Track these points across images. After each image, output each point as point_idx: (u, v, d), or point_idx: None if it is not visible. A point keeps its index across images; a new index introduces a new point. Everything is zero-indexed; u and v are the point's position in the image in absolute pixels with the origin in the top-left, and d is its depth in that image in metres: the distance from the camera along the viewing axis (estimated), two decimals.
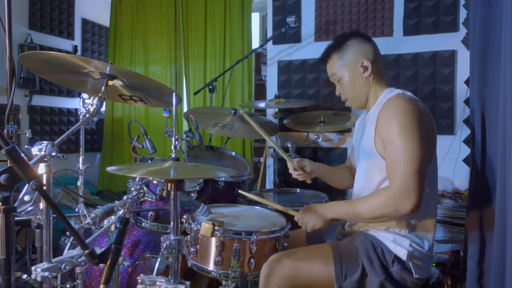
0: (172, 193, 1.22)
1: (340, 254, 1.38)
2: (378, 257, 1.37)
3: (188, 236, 1.54)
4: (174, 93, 1.32)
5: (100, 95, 1.31)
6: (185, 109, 3.98)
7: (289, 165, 1.76)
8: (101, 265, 1.00)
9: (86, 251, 0.97)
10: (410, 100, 1.38)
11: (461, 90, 2.53)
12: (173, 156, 1.27)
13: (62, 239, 1.87)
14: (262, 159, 3.26)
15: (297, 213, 1.51)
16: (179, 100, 1.92)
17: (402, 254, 1.37)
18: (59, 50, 3.89)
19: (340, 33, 2.85)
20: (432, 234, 1.45)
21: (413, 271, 1.36)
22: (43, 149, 1.11)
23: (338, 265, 1.35)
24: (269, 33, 3.12)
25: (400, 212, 1.29)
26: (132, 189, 1.78)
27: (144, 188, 1.82)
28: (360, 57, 1.50)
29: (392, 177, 1.33)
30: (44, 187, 0.90)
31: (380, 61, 1.55)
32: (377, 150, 1.42)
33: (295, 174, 1.76)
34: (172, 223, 1.24)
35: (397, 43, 2.71)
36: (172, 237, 1.22)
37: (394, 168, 1.33)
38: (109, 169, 1.20)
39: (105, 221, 1.42)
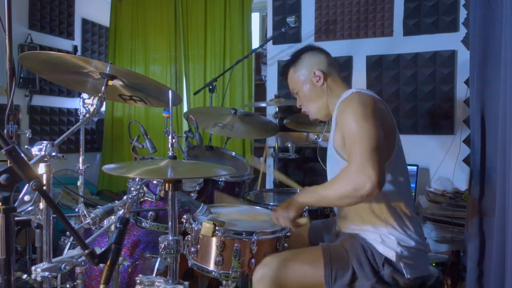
0: (170, 193, 1.22)
1: (330, 257, 1.37)
2: (368, 261, 1.36)
3: (189, 236, 1.54)
4: (170, 90, 1.33)
5: (100, 95, 1.30)
6: (185, 109, 3.99)
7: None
8: (101, 265, 1.00)
9: (86, 251, 0.96)
10: (364, 94, 1.42)
11: (461, 90, 2.53)
12: (170, 154, 1.27)
13: (62, 239, 1.87)
14: (262, 159, 3.26)
15: (273, 215, 1.50)
16: (179, 100, 1.92)
17: (391, 255, 1.35)
18: (59, 50, 3.89)
19: (339, 33, 2.87)
20: (415, 228, 1.43)
21: (404, 271, 1.34)
22: (43, 149, 1.10)
23: (328, 268, 1.35)
24: (269, 33, 3.12)
25: (360, 192, 1.24)
26: (132, 189, 1.78)
27: (144, 188, 1.82)
28: (312, 68, 1.57)
29: (350, 158, 1.33)
30: (44, 187, 0.90)
31: (334, 70, 1.61)
32: (337, 150, 1.44)
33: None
34: (170, 223, 1.24)
35: (397, 43, 2.71)
36: (170, 238, 1.22)
37: (351, 150, 1.33)
38: (105, 168, 1.20)
39: (105, 221, 1.42)
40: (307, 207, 1.95)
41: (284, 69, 1.67)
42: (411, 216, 1.45)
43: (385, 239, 1.38)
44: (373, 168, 1.24)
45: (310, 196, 1.44)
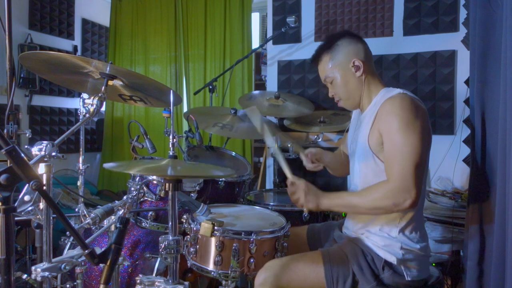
0: (170, 193, 1.22)
1: (330, 262, 1.37)
2: (368, 265, 1.36)
3: (188, 236, 1.54)
4: (171, 91, 1.33)
5: (100, 95, 1.30)
6: (185, 109, 3.99)
7: (303, 157, 1.76)
8: (101, 265, 1.00)
9: (86, 251, 0.97)
10: (414, 99, 1.38)
11: (461, 90, 2.53)
12: (170, 154, 1.27)
13: (62, 239, 1.87)
14: (262, 159, 3.26)
15: (293, 181, 1.45)
16: (179, 100, 1.92)
17: (393, 259, 1.35)
18: (59, 50, 3.89)
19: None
20: (424, 232, 1.44)
21: (405, 274, 1.35)
22: (43, 149, 1.10)
23: (329, 274, 1.35)
24: (269, 33, 3.12)
25: (398, 207, 1.28)
26: (132, 189, 1.78)
27: (144, 188, 1.82)
28: (352, 57, 1.47)
29: (390, 170, 1.32)
30: (44, 187, 0.90)
31: (371, 61, 1.53)
32: (371, 148, 1.41)
33: (311, 167, 1.75)
34: (170, 223, 1.24)
35: (397, 43, 2.71)
36: (171, 237, 1.22)
37: (392, 162, 1.31)
38: (106, 165, 1.20)
39: (105, 221, 1.42)
40: (307, 212, 1.95)
41: (317, 54, 1.53)
42: (421, 219, 1.45)
43: (389, 243, 1.38)
44: (414, 186, 1.26)
45: (339, 201, 1.41)
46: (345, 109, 1.61)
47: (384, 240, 1.39)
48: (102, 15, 4.47)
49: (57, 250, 1.86)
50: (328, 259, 1.38)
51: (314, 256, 1.42)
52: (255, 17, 4.15)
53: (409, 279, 1.35)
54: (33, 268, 1.06)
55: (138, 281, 1.26)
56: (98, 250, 0.99)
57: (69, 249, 1.82)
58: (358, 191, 1.43)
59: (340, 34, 1.53)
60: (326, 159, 1.77)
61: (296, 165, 3.02)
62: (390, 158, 1.33)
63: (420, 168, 1.29)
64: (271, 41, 3.07)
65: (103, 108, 2.87)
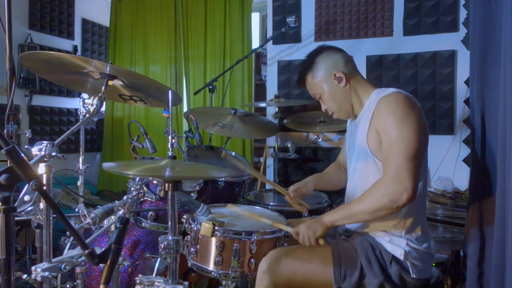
0: (169, 193, 1.22)
1: (339, 256, 1.38)
2: (376, 258, 1.37)
3: (188, 236, 1.54)
4: (170, 90, 1.33)
5: (100, 95, 1.30)
6: (185, 109, 3.99)
7: (286, 198, 1.69)
8: (101, 265, 1.00)
9: (86, 251, 0.97)
10: (408, 96, 1.39)
11: (461, 90, 2.53)
12: (170, 154, 1.26)
13: (62, 239, 1.87)
14: (262, 159, 3.26)
15: (293, 230, 1.45)
16: (179, 100, 1.92)
17: (399, 253, 1.36)
18: (59, 50, 3.89)
19: (339, 33, 2.87)
20: (428, 232, 1.45)
21: (410, 271, 1.36)
22: (43, 149, 1.10)
23: (337, 266, 1.35)
24: (269, 33, 3.12)
25: (397, 203, 1.26)
26: (132, 189, 1.78)
27: (144, 188, 1.82)
28: (331, 70, 1.50)
29: (386, 166, 1.32)
30: (44, 187, 0.90)
31: (353, 67, 1.54)
32: (370, 148, 1.41)
33: (295, 206, 1.69)
34: (170, 223, 1.24)
35: (397, 43, 2.71)
36: (170, 238, 1.22)
37: (388, 157, 1.32)
38: (105, 165, 1.20)
39: (105, 221, 1.42)
40: (306, 212, 1.95)
41: (301, 76, 1.58)
42: (424, 219, 1.45)
43: (395, 239, 1.39)
44: (409, 178, 1.25)
45: (340, 213, 1.40)
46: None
47: (390, 236, 1.40)
48: (102, 15, 4.47)
49: (57, 250, 1.86)
50: (337, 252, 1.38)
51: (323, 249, 1.41)
52: (255, 17, 4.15)
53: (414, 276, 1.36)
54: (33, 268, 1.07)
55: (138, 281, 1.26)
56: (98, 250, 0.99)
57: (69, 249, 1.82)
58: (356, 198, 1.42)
59: (316, 51, 1.56)
60: (310, 189, 1.71)
61: (296, 165, 3.04)
62: (386, 155, 1.34)
63: (415, 161, 1.28)
64: (271, 41, 3.07)
65: (103, 108, 2.87)
